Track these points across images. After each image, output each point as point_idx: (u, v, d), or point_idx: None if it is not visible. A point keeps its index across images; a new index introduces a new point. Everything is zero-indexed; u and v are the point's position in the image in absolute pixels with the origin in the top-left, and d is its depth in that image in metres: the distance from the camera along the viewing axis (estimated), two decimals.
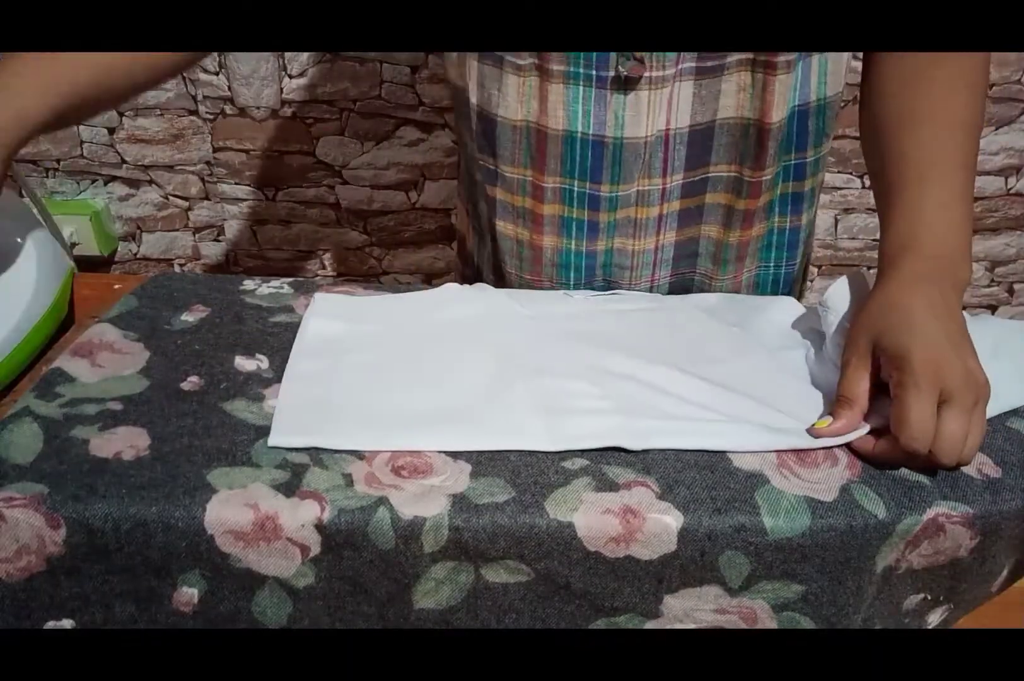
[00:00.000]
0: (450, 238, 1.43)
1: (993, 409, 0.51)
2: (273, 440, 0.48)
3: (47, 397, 0.50)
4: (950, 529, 0.46)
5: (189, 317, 0.59)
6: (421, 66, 1.26)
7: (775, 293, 0.74)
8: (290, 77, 1.26)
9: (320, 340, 0.57)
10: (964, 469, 0.48)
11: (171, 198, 1.37)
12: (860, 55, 0.65)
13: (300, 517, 0.43)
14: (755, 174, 0.65)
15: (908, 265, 0.52)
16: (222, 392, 0.52)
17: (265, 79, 1.25)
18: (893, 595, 0.49)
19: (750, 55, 0.60)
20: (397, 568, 0.44)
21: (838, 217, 1.41)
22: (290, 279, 0.66)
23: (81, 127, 1.28)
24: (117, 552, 0.43)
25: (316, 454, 0.47)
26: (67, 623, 0.46)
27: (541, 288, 0.72)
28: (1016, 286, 1.48)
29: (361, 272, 1.47)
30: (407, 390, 0.53)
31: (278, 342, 0.57)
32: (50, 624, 0.45)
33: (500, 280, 0.76)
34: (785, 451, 0.49)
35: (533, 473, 0.46)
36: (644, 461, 0.48)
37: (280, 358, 0.55)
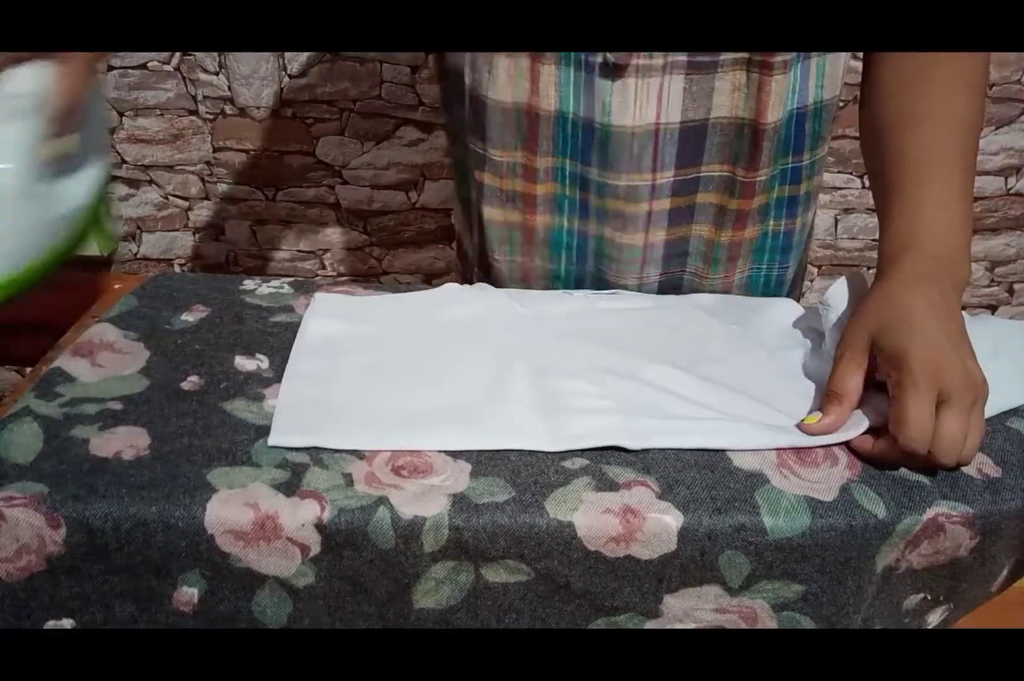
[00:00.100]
0: (450, 238, 1.43)
1: (993, 409, 0.51)
2: (273, 440, 0.48)
3: (47, 397, 0.50)
4: (950, 529, 0.46)
5: (189, 317, 0.59)
6: (421, 66, 1.26)
7: (767, 295, 0.73)
8: (290, 77, 1.26)
9: (320, 340, 0.57)
10: (964, 469, 0.48)
11: (171, 198, 1.37)
12: (860, 55, 0.65)
13: (300, 517, 0.43)
14: (749, 174, 0.65)
15: (908, 264, 0.52)
16: (222, 392, 0.52)
17: (265, 79, 1.25)
18: (893, 595, 0.49)
19: (745, 54, 0.60)
20: (397, 568, 0.44)
21: (838, 217, 1.41)
22: (290, 279, 0.66)
23: None
24: (117, 552, 0.43)
25: (316, 454, 0.47)
26: (67, 623, 0.46)
27: (532, 270, 0.72)
28: (1016, 286, 1.48)
29: (361, 272, 1.47)
30: (407, 390, 0.53)
31: (278, 342, 0.57)
32: (50, 624, 0.46)
33: (487, 273, 0.75)
34: (785, 451, 0.49)
35: (533, 473, 0.46)
36: (644, 461, 0.48)
37: (280, 358, 0.55)
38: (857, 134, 0.66)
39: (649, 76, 0.60)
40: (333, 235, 1.43)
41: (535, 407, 0.51)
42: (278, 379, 0.53)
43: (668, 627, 0.47)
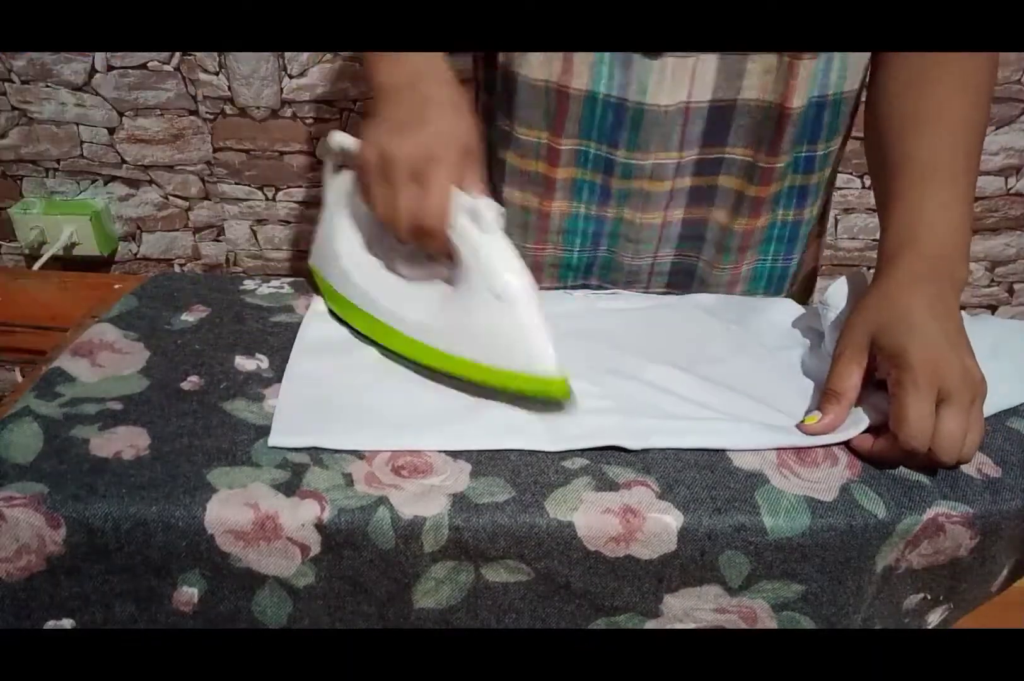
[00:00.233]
0: None
1: (992, 408, 0.51)
2: (273, 440, 0.48)
3: (47, 397, 0.50)
4: (950, 529, 0.46)
5: (189, 317, 0.59)
6: None
7: (770, 287, 0.75)
8: (290, 77, 1.26)
9: (320, 340, 0.57)
10: (964, 469, 0.48)
11: (171, 198, 1.37)
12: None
13: (300, 517, 0.43)
14: (769, 160, 0.66)
15: (907, 264, 0.52)
16: (222, 392, 0.52)
17: (265, 79, 1.25)
18: (893, 595, 0.49)
19: None
20: (397, 568, 0.44)
21: (838, 217, 1.40)
22: (290, 279, 0.66)
23: (81, 127, 1.28)
24: (117, 552, 0.43)
25: (316, 454, 0.47)
26: (67, 623, 0.46)
27: (543, 257, 0.73)
28: (1016, 286, 1.48)
29: None
30: (407, 390, 0.53)
31: (278, 342, 0.57)
32: (50, 624, 0.45)
33: None
34: (785, 451, 0.49)
35: (533, 473, 0.46)
36: (644, 461, 0.48)
37: (280, 358, 0.55)
38: (858, 135, 0.66)
39: (686, 56, 0.61)
40: None
41: (535, 407, 0.51)
42: (278, 379, 0.53)
43: (668, 627, 0.47)
